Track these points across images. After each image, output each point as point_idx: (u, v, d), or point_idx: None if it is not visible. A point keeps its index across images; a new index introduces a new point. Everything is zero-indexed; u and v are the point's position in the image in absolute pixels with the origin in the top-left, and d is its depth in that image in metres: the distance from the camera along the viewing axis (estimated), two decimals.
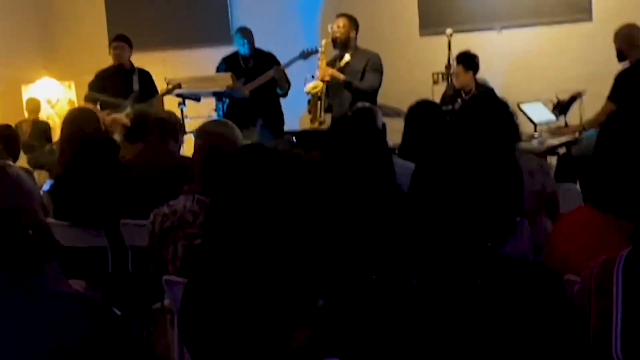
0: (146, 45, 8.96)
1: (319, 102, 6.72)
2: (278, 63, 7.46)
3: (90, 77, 7.87)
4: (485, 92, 5.13)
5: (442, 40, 7.45)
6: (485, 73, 7.60)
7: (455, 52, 7.26)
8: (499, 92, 7.04)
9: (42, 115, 10.08)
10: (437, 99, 7.28)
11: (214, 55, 9.20)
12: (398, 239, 2.48)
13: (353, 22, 6.88)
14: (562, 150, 6.82)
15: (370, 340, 1.89)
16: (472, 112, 3.37)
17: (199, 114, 7.59)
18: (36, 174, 6.99)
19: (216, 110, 7.50)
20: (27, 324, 1.84)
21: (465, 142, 2.01)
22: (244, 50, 7.52)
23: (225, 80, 7.54)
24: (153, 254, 3.45)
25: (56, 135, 7.92)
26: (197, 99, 7.55)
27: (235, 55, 7.62)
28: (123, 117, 6.91)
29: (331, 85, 6.79)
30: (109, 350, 1.93)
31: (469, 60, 7.36)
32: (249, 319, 2.07)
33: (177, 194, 3.43)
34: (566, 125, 7.11)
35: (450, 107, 6.58)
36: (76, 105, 9.92)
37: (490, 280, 1.82)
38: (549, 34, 8.47)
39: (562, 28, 8.42)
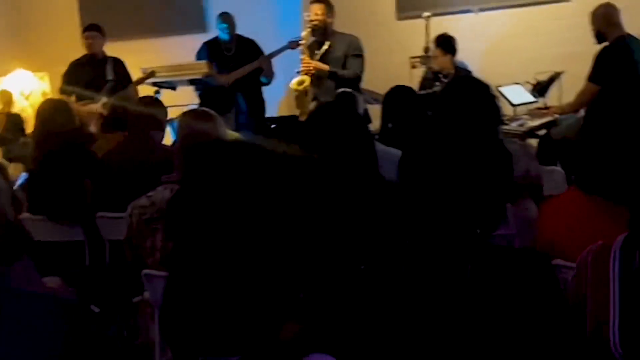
0: (120, 35, 8.83)
1: (306, 97, 6.61)
2: (259, 50, 7.36)
3: (63, 68, 7.74)
4: (466, 75, 5.08)
5: (419, 23, 7.40)
6: (464, 55, 7.55)
7: (433, 35, 7.21)
8: (477, 74, 7.00)
9: (16, 108, 9.94)
10: (415, 83, 7.23)
11: (188, 43, 9.09)
12: (384, 227, 2.42)
13: (329, 7, 6.79)
14: (541, 132, 6.78)
15: (360, 331, 1.83)
16: (454, 96, 3.31)
17: (176, 102, 7.49)
18: (11, 167, 6.88)
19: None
20: None
21: (450, 127, 1.95)
22: (224, 35, 7.41)
23: (201, 67, 7.44)
24: (131, 246, 3.37)
25: (30, 127, 7.80)
26: (172, 87, 7.44)
27: (216, 40, 7.50)
28: (99, 107, 6.80)
29: (315, 75, 6.70)
30: (84, 352, 1.86)
31: (446, 43, 7.32)
32: (232, 312, 1.99)
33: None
34: (546, 107, 7.07)
35: (429, 90, 6.52)
36: (50, 96, 9.79)
37: (481, 268, 1.76)
38: (526, 15, 8.43)
39: (540, 9, 8.39)
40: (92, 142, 5.31)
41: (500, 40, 8.47)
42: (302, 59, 6.72)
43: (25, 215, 4.37)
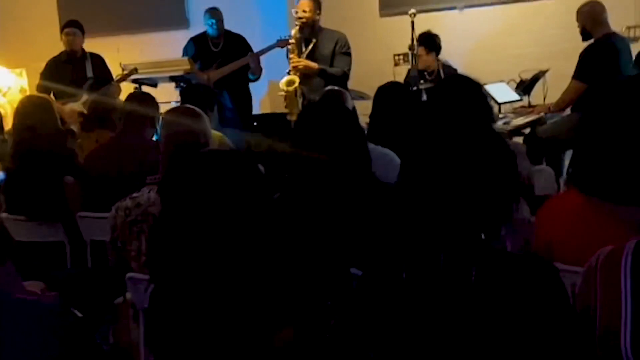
0: (99, 31, 8.69)
1: (296, 97, 6.51)
2: (248, 46, 7.26)
3: (42, 64, 7.62)
4: (458, 74, 5.00)
5: (403, 20, 7.31)
6: (448, 53, 7.51)
7: (416, 32, 7.14)
8: (461, 72, 6.95)
9: None
10: (399, 80, 7.16)
11: (169, 40, 9.00)
12: (382, 230, 2.35)
13: (317, 4, 6.69)
14: (526, 131, 6.75)
15: (359, 338, 1.76)
16: (449, 95, 3.24)
17: (156, 99, 7.38)
18: None
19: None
20: None
21: (450, 127, 1.88)
22: (212, 31, 7.29)
23: (183, 64, 7.34)
24: (115, 248, 3.28)
25: (8, 124, 7.67)
26: (153, 84, 7.33)
27: (204, 36, 7.39)
28: (80, 105, 6.69)
29: (303, 73, 6.60)
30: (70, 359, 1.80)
31: (430, 41, 7.27)
32: (222, 320, 1.91)
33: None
34: (530, 104, 7.04)
35: (414, 88, 6.46)
36: (28, 93, 9.64)
37: (486, 274, 1.69)
38: (510, 13, 8.40)
39: (524, 6, 8.36)
40: (74, 140, 5.22)
41: (485, 37, 8.43)
42: (290, 58, 6.62)
43: (3, 215, 4.28)
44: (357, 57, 7.05)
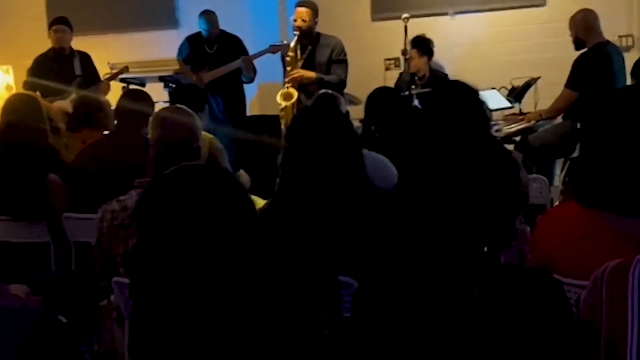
0: (87, 29, 8.59)
1: (293, 110, 6.41)
2: (243, 48, 7.17)
3: (29, 61, 7.52)
4: (454, 80, 4.93)
5: (395, 25, 7.27)
6: (439, 59, 7.48)
7: (409, 37, 7.09)
8: (452, 78, 6.92)
9: None
10: (389, 85, 7.11)
11: (158, 39, 8.92)
12: (379, 239, 2.29)
13: (314, 11, 6.59)
14: (517, 138, 6.70)
15: (356, 353, 1.70)
16: (447, 102, 3.18)
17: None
18: None
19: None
20: None
21: (451, 136, 1.82)
22: (207, 34, 7.20)
23: (172, 64, 7.27)
24: (101, 252, 3.20)
25: None
26: (142, 83, 7.25)
27: (199, 36, 7.29)
28: (68, 103, 6.60)
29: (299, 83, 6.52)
30: None
31: (423, 45, 7.25)
32: (208, 337, 1.83)
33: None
34: (521, 112, 7.01)
35: (406, 92, 6.41)
36: (14, 90, 9.53)
37: (489, 288, 1.63)
38: (502, 20, 8.39)
39: (516, 13, 8.35)
40: (59, 138, 5.13)
41: (476, 44, 8.40)
42: (287, 70, 6.51)
43: None
44: (349, 61, 6.99)
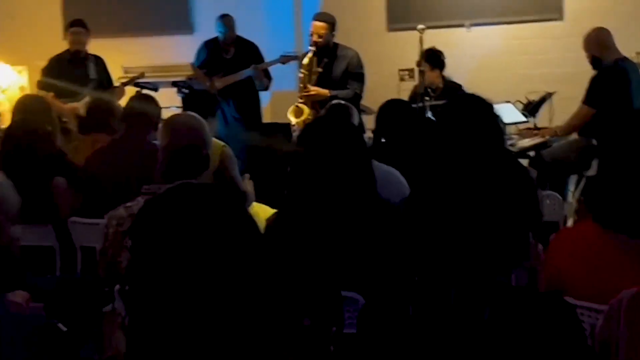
0: (102, 32, 8.57)
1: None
2: (259, 54, 7.14)
3: (43, 63, 7.51)
4: (469, 93, 4.86)
5: (410, 36, 7.21)
6: (454, 71, 7.42)
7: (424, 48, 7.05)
8: (467, 90, 6.86)
9: None
10: (403, 96, 7.07)
11: (173, 44, 8.91)
12: (386, 255, 2.24)
13: (331, 24, 6.51)
14: (531, 153, 6.64)
15: None
16: (462, 117, 3.10)
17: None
18: None
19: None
20: None
21: (466, 153, 1.77)
22: (224, 38, 7.17)
23: (186, 69, 7.25)
24: (106, 259, 3.16)
25: (5, 122, 7.56)
26: (154, 88, 7.23)
27: (216, 41, 7.27)
28: (81, 106, 6.58)
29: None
30: None
31: (434, 58, 7.17)
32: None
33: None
34: (536, 127, 6.94)
35: (420, 104, 6.36)
36: (28, 91, 9.53)
37: (499, 312, 1.58)
38: (519, 33, 8.33)
39: (533, 27, 8.30)
40: (68, 140, 5.11)
41: (492, 56, 8.35)
42: (300, 88, 6.45)
43: None
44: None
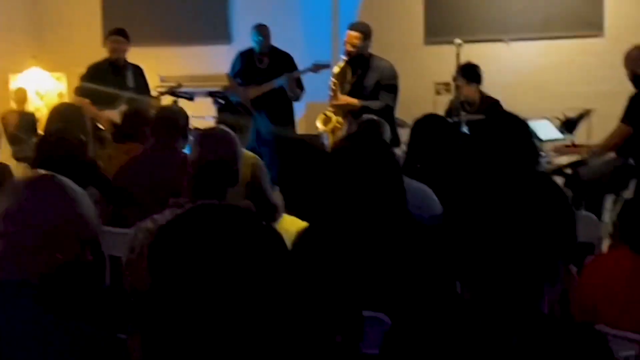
0: (140, 40, 8.63)
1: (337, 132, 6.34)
2: (293, 64, 7.16)
3: (81, 70, 7.57)
4: (504, 111, 4.80)
5: (447, 49, 7.18)
6: (492, 85, 7.34)
7: (461, 62, 7.00)
8: (505, 105, 6.80)
9: (30, 107, 9.78)
10: (439, 109, 7.02)
11: (210, 54, 8.94)
12: (416, 275, 2.19)
13: (366, 34, 6.49)
14: (567, 171, 6.53)
15: None
16: (495, 136, 3.05)
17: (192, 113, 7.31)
18: (17, 166, 6.67)
19: None
20: None
21: (498, 171, 1.72)
22: (259, 48, 7.20)
23: (222, 80, 7.27)
24: (132, 272, 3.14)
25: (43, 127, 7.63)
26: (190, 98, 7.26)
27: (251, 51, 7.30)
28: (116, 114, 6.61)
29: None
30: None
31: (470, 72, 7.09)
32: None
33: None
34: (573, 144, 6.83)
35: (455, 119, 6.31)
36: (66, 98, 9.62)
37: (528, 341, 1.53)
38: (559, 48, 8.25)
39: (573, 43, 8.21)
40: (102, 148, 5.12)
41: (531, 72, 8.27)
42: (331, 96, 6.43)
43: None
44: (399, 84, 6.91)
